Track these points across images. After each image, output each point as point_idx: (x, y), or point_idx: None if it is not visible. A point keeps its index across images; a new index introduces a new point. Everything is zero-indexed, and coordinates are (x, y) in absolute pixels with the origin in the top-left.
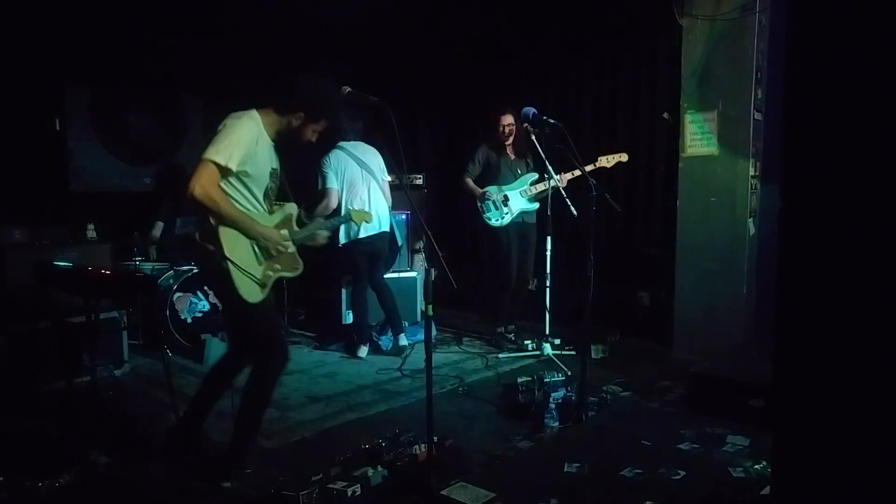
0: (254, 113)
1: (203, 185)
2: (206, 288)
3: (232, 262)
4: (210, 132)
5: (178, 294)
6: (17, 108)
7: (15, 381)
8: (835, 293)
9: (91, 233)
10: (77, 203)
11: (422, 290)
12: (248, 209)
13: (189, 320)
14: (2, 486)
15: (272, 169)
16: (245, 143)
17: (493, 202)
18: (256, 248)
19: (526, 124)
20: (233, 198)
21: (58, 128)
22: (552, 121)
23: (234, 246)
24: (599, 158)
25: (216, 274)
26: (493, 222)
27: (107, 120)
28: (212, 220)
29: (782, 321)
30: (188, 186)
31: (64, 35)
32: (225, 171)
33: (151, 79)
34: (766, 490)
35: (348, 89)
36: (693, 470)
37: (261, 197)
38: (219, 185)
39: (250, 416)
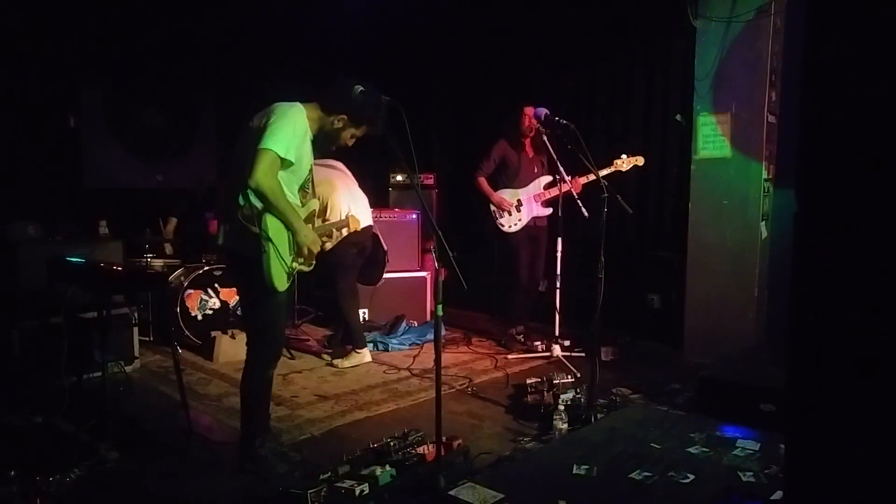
0: (300, 106)
1: (265, 175)
2: (216, 285)
3: (274, 244)
4: (238, 129)
5: (189, 291)
6: (33, 105)
7: (26, 375)
8: (852, 298)
9: (104, 229)
10: (90, 199)
11: (432, 290)
12: (288, 200)
13: (200, 317)
14: (13, 480)
15: (310, 163)
16: (298, 135)
17: (507, 209)
18: (291, 240)
19: (538, 125)
20: None
21: (72, 124)
22: (564, 122)
23: (276, 232)
24: (615, 161)
25: (251, 256)
26: (506, 228)
27: (120, 117)
28: (256, 205)
29: (797, 326)
30: (250, 175)
31: (79, 33)
32: (283, 162)
33: (165, 77)
34: (777, 495)
35: (360, 89)
36: (702, 474)
37: (297, 189)
38: (276, 176)
39: (245, 408)
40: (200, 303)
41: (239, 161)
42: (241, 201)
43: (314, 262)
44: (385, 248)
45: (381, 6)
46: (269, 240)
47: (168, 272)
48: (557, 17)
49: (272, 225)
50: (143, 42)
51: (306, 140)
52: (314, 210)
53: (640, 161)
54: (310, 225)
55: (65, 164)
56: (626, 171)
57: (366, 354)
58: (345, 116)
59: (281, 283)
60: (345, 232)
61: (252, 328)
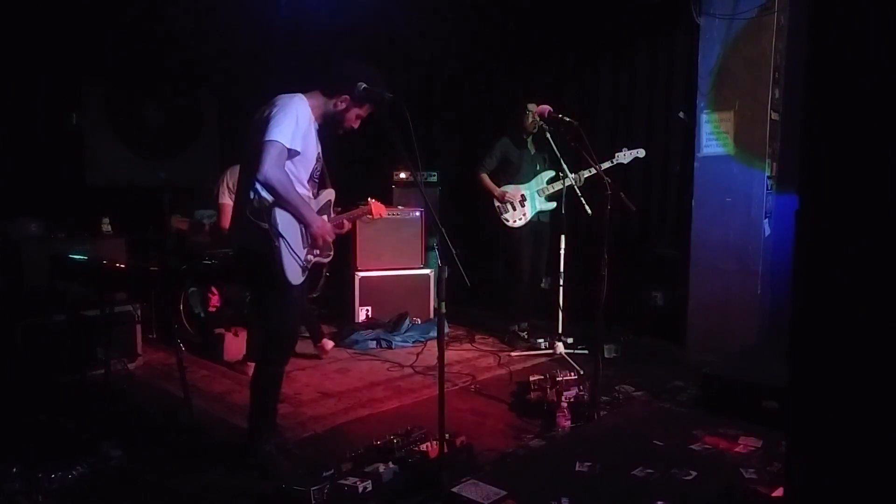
0: (302, 96)
1: (273, 167)
2: (220, 283)
3: (285, 239)
4: (242, 125)
5: (192, 289)
6: (35, 103)
7: (29, 372)
8: (852, 295)
9: (106, 226)
10: (93, 197)
11: (435, 288)
12: (297, 191)
13: (203, 315)
14: (15, 477)
15: (317, 153)
16: (303, 124)
17: (511, 203)
18: (303, 232)
19: (542, 122)
20: None
21: (75, 122)
22: (567, 119)
23: (286, 226)
24: (616, 154)
25: (262, 252)
26: (511, 223)
27: (123, 114)
28: (266, 199)
29: (799, 323)
30: (257, 169)
31: (82, 30)
32: (290, 153)
33: (167, 74)
34: (779, 492)
35: (363, 85)
36: (705, 471)
37: (306, 179)
38: (284, 168)
39: (254, 404)
40: (203, 300)
41: (245, 157)
42: (250, 196)
43: (332, 252)
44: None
45: (384, 3)
46: (280, 234)
47: (171, 269)
48: (560, 14)
49: (281, 219)
50: (146, 39)
51: (311, 129)
52: (330, 200)
53: (642, 153)
54: (325, 215)
55: (67, 161)
56: (629, 165)
57: (326, 343)
58: (347, 97)
59: (295, 276)
60: (367, 219)
61: (265, 325)
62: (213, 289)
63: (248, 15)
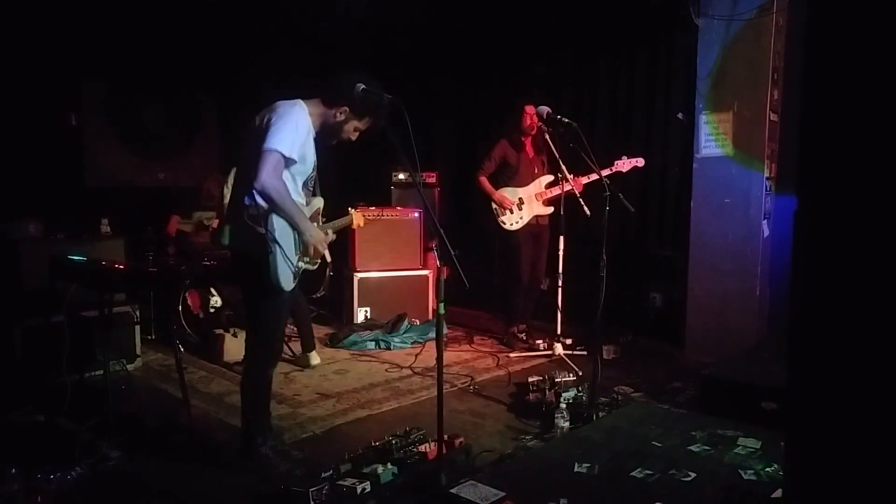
0: (302, 103)
1: (270, 176)
2: (218, 283)
3: (280, 245)
4: (246, 127)
5: (190, 289)
6: (35, 103)
7: (28, 373)
8: (851, 296)
9: (105, 227)
10: (92, 197)
11: (434, 289)
12: (293, 199)
13: (201, 315)
14: (14, 478)
15: (314, 161)
16: (302, 133)
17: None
18: (296, 239)
19: (540, 123)
20: None
21: (74, 123)
22: (566, 120)
23: (282, 232)
24: (616, 162)
25: (257, 257)
26: (508, 226)
27: (123, 115)
28: (262, 205)
29: (797, 324)
30: (255, 177)
31: (82, 31)
32: (288, 161)
33: (167, 75)
34: (778, 493)
35: (362, 87)
36: (704, 472)
37: (300, 187)
38: (281, 177)
39: (246, 406)
40: (202, 301)
41: (243, 161)
42: (247, 201)
43: (319, 260)
44: (329, 258)
45: (382, 4)
46: (276, 241)
47: (170, 270)
48: (559, 15)
49: (278, 225)
50: (145, 40)
51: (310, 138)
52: (319, 208)
53: (641, 162)
54: (315, 223)
55: (66, 162)
56: (627, 172)
57: (313, 357)
58: (346, 108)
59: (287, 282)
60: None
61: (255, 328)
62: (213, 289)
63: (246, 16)
